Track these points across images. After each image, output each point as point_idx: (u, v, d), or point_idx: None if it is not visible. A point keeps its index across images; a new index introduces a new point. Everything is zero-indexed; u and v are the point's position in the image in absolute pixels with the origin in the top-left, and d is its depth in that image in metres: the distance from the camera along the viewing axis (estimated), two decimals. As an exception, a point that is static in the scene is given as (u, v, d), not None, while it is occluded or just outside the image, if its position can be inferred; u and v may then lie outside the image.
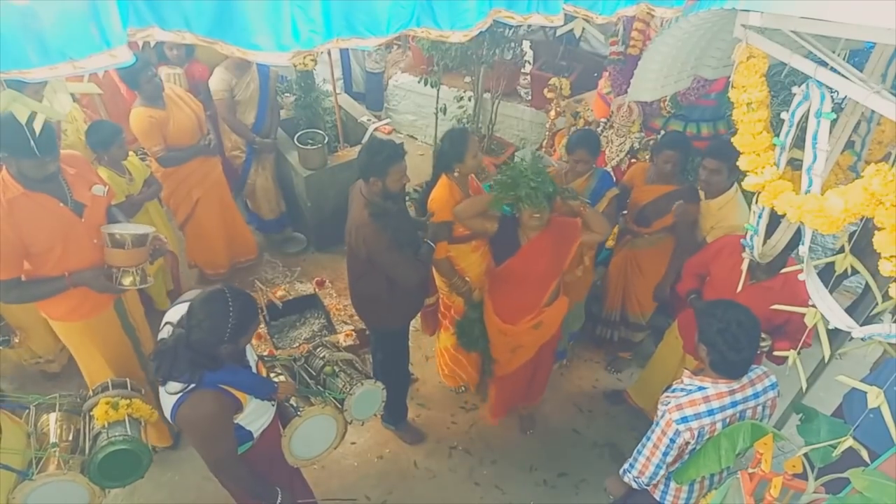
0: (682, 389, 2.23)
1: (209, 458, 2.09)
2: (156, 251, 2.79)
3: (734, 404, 2.17)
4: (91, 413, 2.50)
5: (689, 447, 2.19)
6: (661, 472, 2.27)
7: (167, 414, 2.07)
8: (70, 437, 2.46)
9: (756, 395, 2.22)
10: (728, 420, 2.17)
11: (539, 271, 2.95)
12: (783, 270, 2.19)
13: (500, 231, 2.91)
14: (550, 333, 3.25)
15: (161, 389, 2.05)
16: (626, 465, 2.39)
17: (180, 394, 1.98)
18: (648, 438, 2.27)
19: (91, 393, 2.62)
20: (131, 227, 2.73)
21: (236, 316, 1.97)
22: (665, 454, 2.21)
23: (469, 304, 3.32)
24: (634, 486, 2.38)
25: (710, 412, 2.15)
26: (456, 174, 3.01)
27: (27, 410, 2.51)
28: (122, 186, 3.45)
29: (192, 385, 1.98)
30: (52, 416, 2.49)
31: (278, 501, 2.30)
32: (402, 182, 2.76)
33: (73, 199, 2.55)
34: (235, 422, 2.13)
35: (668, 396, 2.25)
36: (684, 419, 2.14)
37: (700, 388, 2.19)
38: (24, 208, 2.39)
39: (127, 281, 2.65)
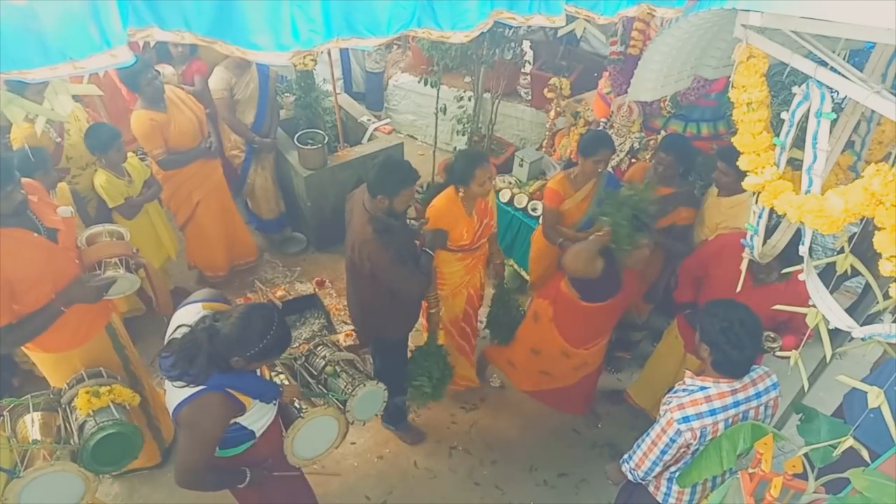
0: (684, 390, 2.23)
1: (188, 462, 2.07)
2: (136, 264, 2.73)
3: (736, 404, 2.17)
4: (72, 405, 2.48)
5: (692, 448, 2.19)
6: (658, 468, 2.27)
7: (171, 408, 2.06)
8: (52, 434, 2.44)
9: (758, 395, 2.21)
10: (730, 420, 2.17)
11: (627, 300, 3.03)
12: (784, 270, 2.18)
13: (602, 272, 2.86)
14: (602, 352, 3.36)
15: (168, 383, 2.04)
16: (625, 456, 2.40)
17: (189, 393, 1.98)
18: (648, 434, 2.27)
19: (66, 387, 2.60)
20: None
21: (270, 341, 1.99)
22: (663, 452, 2.21)
23: (432, 336, 3.27)
24: (630, 477, 2.39)
25: (712, 412, 2.14)
26: (461, 194, 2.98)
27: (1, 417, 2.48)
28: (121, 188, 3.45)
29: (202, 388, 1.98)
30: (29, 418, 2.48)
31: (246, 480, 2.28)
32: (409, 204, 2.74)
33: (45, 227, 2.48)
34: (238, 421, 2.13)
35: (670, 397, 2.25)
36: (686, 419, 2.14)
37: (702, 388, 2.19)
38: (1, 246, 2.30)
39: (111, 270, 2.58)
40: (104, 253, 2.63)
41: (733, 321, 2.11)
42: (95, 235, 2.72)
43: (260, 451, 2.31)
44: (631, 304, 3.72)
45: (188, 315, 2.11)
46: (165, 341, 2.07)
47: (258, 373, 2.25)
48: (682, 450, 2.20)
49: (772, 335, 2.62)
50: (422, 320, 3.40)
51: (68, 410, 2.52)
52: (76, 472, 2.31)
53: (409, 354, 3.33)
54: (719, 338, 2.11)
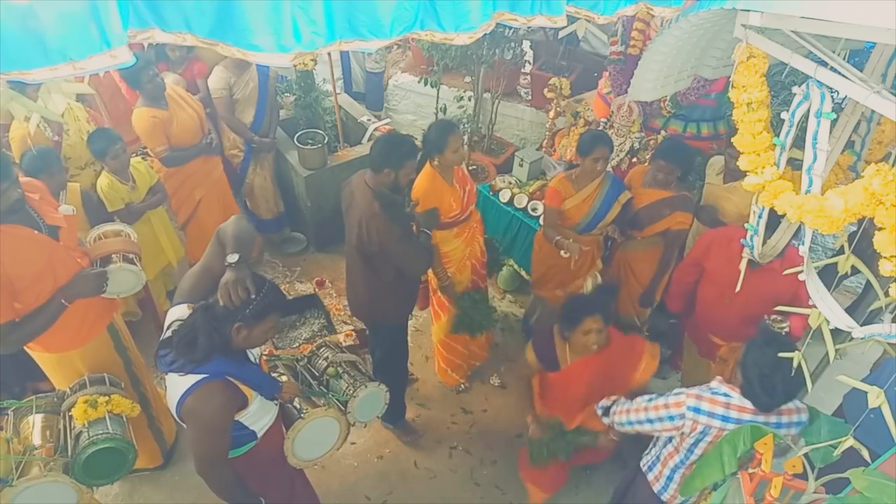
0: (710, 389, 2.20)
1: (203, 454, 2.07)
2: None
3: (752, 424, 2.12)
4: (70, 413, 2.48)
5: (688, 440, 2.18)
6: (628, 428, 2.28)
7: (173, 404, 2.03)
8: (52, 439, 2.44)
9: (778, 426, 2.14)
10: None
11: (579, 394, 2.63)
12: (786, 272, 2.18)
13: (539, 337, 2.75)
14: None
15: (171, 376, 2.02)
16: (611, 403, 2.40)
17: (190, 383, 1.96)
18: (650, 400, 2.26)
19: (69, 391, 2.60)
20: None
21: (265, 297, 1.98)
22: (650, 421, 2.21)
23: (456, 297, 3.35)
24: (605, 421, 2.39)
25: (725, 419, 2.13)
26: (436, 164, 3.03)
27: (6, 416, 2.48)
28: (123, 193, 3.43)
29: (204, 376, 1.96)
30: (32, 419, 2.48)
31: None
32: (412, 177, 2.79)
33: (47, 224, 2.48)
34: (240, 420, 2.12)
35: (691, 389, 2.24)
36: (697, 409, 2.14)
37: (726, 395, 2.16)
38: (1, 244, 2.29)
39: (113, 264, 2.61)
40: (111, 248, 2.65)
41: (775, 370, 2.02)
42: (106, 233, 2.75)
43: (261, 452, 2.30)
44: (627, 305, 3.73)
45: (182, 312, 2.09)
46: (161, 340, 2.06)
47: (257, 362, 2.25)
48: (672, 431, 2.20)
49: (777, 317, 2.62)
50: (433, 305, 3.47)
51: (67, 418, 2.52)
52: (68, 484, 2.32)
53: (451, 316, 3.43)
54: (754, 378, 2.06)
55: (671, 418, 2.17)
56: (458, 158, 3.02)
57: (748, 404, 2.14)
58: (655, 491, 2.45)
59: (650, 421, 2.22)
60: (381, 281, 2.92)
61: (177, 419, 2.08)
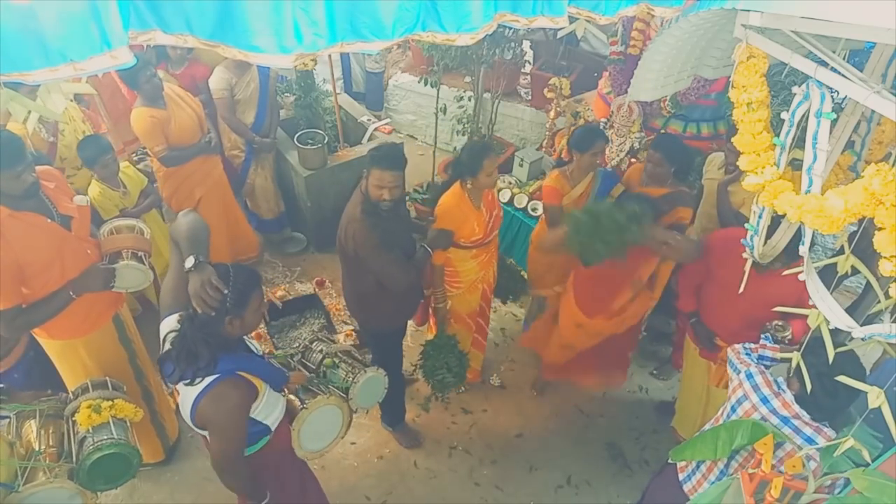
0: (773, 376, 2.20)
1: (221, 450, 2.06)
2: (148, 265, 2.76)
3: (785, 420, 2.09)
4: (73, 418, 2.48)
5: (728, 408, 2.23)
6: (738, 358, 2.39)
7: (186, 407, 2.02)
8: (55, 443, 2.43)
9: (810, 441, 2.06)
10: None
11: (625, 272, 3.09)
12: (786, 272, 2.18)
13: None
14: (626, 326, 3.38)
15: (181, 386, 2.01)
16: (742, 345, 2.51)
17: (203, 385, 1.96)
18: (744, 349, 2.41)
19: (71, 396, 2.60)
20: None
21: (236, 282, 1.94)
22: (732, 364, 2.36)
23: (441, 329, 3.33)
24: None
25: (765, 400, 2.11)
26: (469, 186, 3.01)
27: (8, 420, 2.47)
28: (116, 200, 3.42)
29: (216, 377, 1.96)
30: (35, 423, 2.47)
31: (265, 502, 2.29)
32: (382, 194, 2.66)
33: (59, 214, 2.50)
34: (253, 416, 2.12)
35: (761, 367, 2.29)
36: (750, 376, 2.18)
37: (780, 387, 2.15)
38: (14, 229, 2.33)
39: (121, 262, 2.62)
40: (121, 244, 2.65)
41: (833, 369, 1.91)
42: (119, 228, 2.75)
43: (273, 448, 2.31)
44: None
45: (172, 323, 2.07)
46: (160, 355, 2.04)
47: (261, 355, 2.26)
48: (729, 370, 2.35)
49: (780, 324, 2.61)
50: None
51: (70, 423, 2.51)
52: (74, 490, 2.32)
53: (420, 350, 3.38)
54: (813, 380, 1.98)
55: (733, 366, 2.31)
56: (490, 182, 2.98)
57: (796, 407, 2.09)
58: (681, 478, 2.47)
59: (729, 359, 2.38)
60: (368, 287, 2.89)
61: (192, 425, 2.06)
